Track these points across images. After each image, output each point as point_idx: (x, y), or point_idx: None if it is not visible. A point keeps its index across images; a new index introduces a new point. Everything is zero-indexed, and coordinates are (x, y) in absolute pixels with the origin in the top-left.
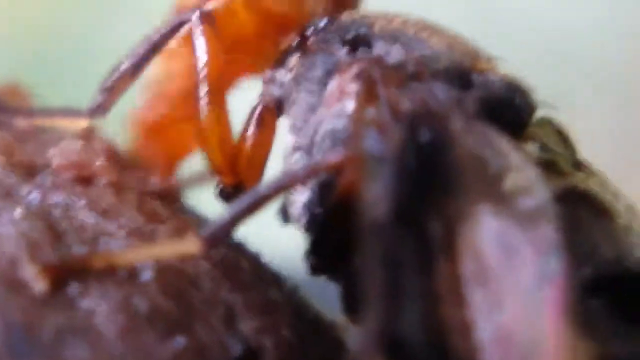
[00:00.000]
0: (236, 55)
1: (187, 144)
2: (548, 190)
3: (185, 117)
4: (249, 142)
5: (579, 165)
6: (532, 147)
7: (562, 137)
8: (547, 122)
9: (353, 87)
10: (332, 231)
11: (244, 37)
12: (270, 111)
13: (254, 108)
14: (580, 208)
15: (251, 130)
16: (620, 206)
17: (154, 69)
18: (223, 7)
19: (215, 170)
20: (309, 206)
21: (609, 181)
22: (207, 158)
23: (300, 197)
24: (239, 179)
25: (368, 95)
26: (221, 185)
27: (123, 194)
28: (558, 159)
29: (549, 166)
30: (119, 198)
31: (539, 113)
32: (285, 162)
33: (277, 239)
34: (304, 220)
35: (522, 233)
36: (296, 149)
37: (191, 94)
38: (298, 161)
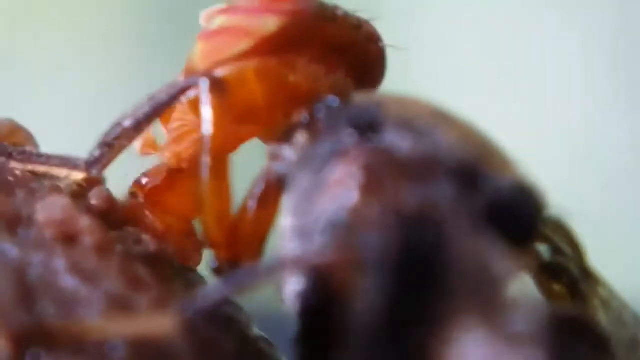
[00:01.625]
0: (244, 125)
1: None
2: (545, 316)
3: (190, 185)
4: (249, 219)
5: (587, 271)
6: (542, 250)
7: (572, 242)
8: (559, 225)
9: (357, 178)
10: (321, 324)
11: (253, 106)
12: (273, 188)
13: (257, 183)
14: (578, 339)
15: (252, 205)
16: (623, 333)
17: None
18: (234, 74)
19: (211, 244)
20: (301, 296)
21: (615, 292)
22: (204, 230)
23: (294, 284)
24: (236, 255)
25: (371, 190)
26: (217, 262)
27: (107, 256)
28: (568, 264)
29: (559, 271)
30: (101, 261)
31: (552, 215)
32: (282, 243)
33: None
34: (295, 308)
35: (510, 354)
36: (293, 232)
37: (195, 163)
38: (294, 246)
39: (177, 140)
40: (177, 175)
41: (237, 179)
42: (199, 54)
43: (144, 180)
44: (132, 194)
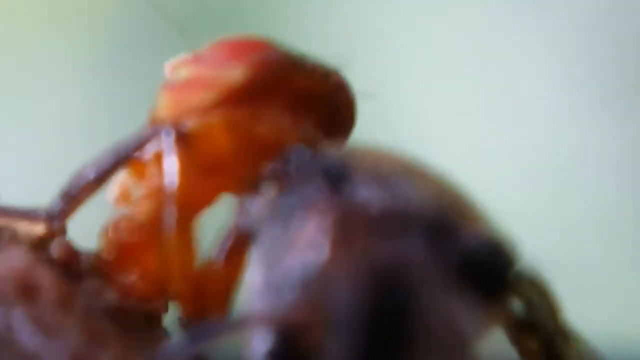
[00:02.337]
0: (211, 178)
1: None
2: None
3: (154, 242)
4: (215, 272)
5: (562, 327)
6: (515, 305)
7: (547, 297)
8: (533, 280)
9: (326, 233)
10: None
11: (220, 158)
12: (240, 241)
13: (224, 235)
14: None
15: (218, 259)
16: None
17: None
18: (200, 126)
19: (176, 297)
20: (268, 354)
21: (591, 347)
22: (169, 285)
23: (261, 343)
24: (201, 308)
25: (341, 246)
26: (182, 315)
27: (68, 310)
28: (543, 320)
29: (532, 328)
30: (62, 315)
31: (526, 270)
32: (249, 299)
33: None
34: None
35: None
36: (261, 287)
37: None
38: (262, 301)
39: (149, 196)
40: (147, 230)
41: (203, 231)
42: (164, 105)
43: (114, 234)
44: (101, 248)
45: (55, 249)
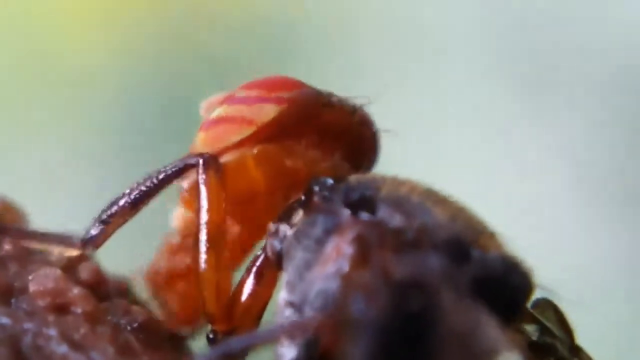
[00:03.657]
0: (245, 209)
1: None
2: None
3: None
4: (246, 293)
5: (576, 351)
6: (531, 329)
7: (561, 321)
8: (547, 304)
9: (349, 249)
10: None
11: (254, 191)
12: (271, 265)
13: (255, 259)
14: None
15: (250, 281)
16: None
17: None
18: (234, 161)
19: (208, 317)
20: None
21: None
22: (202, 304)
23: (288, 354)
24: (232, 328)
25: (361, 258)
26: (212, 333)
27: (97, 326)
28: (556, 344)
29: (547, 350)
30: (92, 329)
31: (539, 295)
32: (276, 317)
33: None
34: None
35: None
36: (288, 304)
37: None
38: (287, 313)
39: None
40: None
41: None
42: (200, 143)
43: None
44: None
45: (83, 271)
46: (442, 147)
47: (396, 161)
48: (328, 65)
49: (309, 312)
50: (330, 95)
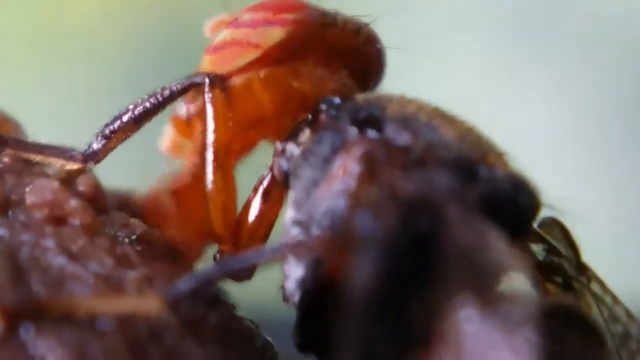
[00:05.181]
0: (253, 131)
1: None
2: (538, 303)
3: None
4: (253, 213)
5: (582, 268)
6: (537, 249)
7: (567, 239)
8: (554, 223)
9: (355, 167)
10: (320, 310)
11: (262, 114)
12: (278, 184)
13: (262, 179)
14: (569, 328)
15: (256, 201)
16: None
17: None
18: (241, 85)
19: (215, 237)
20: (301, 283)
21: (609, 289)
22: (210, 225)
23: (295, 272)
24: (238, 248)
25: (368, 176)
26: (220, 253)
27: (95, 237)
28: (563, 263)
29: (553, 270)
30: (90, 241)
31: (545, 213)
32: (283, 236)
33: None
34: (296, 297)
35: (503, 337)
36: (295, 223)
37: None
38: (295, 236)
39: (195, 151)
40: (191, 179)
41: (242, 175)
42: (206, 66)
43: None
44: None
45: (81, 184)
46: (450, 64)
47: (403, 78)
48: None
49: (316, 230)
50: (335, 14)
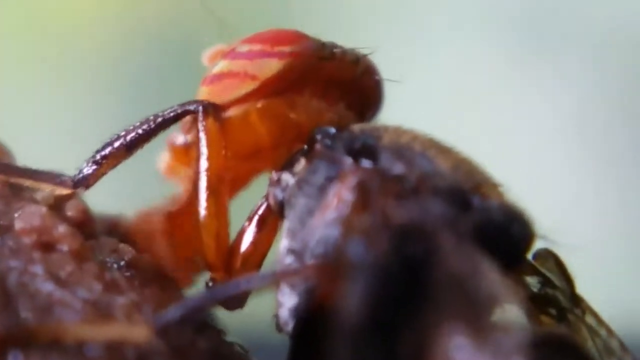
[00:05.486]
0: (249, 162)
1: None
2: (530, 333)
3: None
4: (246, 242)
5: (576, 300)
6: (532, 281)
7: (562, 271)
8: (548, 255)
9: (349, 196)
10: (314, 338)
11: (259, 145)
12: (273, 213)
13: (256, 208)
14: (563, 358)
15: (251, 229)
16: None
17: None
18: (238, 116)
19: (207, 264)
20: (295, 311)
21: (604, 321)
22: (202, 252)
23: (288, 301)
24: (230, 276)
25: (362, 204)
26: (212, 281)
27: (83, 263)
28: (557, 294)
29: (548, 302)
30: (78, 267)
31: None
32: (277, 265)
33: None
34: (290, 325)
35: None
36: (289, 252)
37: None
38: (288, 264)
39: (191, 179)
40: (184, 206)
41: (237, 204)
42: (204, 97)
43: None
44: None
45: (70, 209)
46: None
47: (400, 110)
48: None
49: (309, 259)
50: (333, 46)
